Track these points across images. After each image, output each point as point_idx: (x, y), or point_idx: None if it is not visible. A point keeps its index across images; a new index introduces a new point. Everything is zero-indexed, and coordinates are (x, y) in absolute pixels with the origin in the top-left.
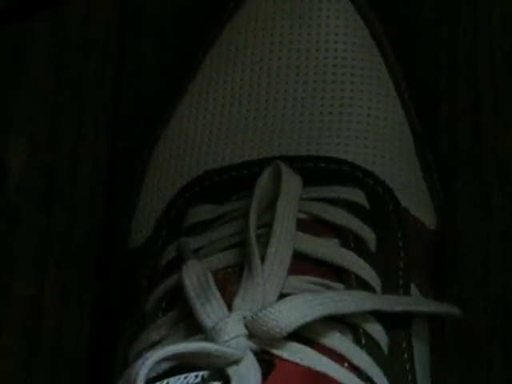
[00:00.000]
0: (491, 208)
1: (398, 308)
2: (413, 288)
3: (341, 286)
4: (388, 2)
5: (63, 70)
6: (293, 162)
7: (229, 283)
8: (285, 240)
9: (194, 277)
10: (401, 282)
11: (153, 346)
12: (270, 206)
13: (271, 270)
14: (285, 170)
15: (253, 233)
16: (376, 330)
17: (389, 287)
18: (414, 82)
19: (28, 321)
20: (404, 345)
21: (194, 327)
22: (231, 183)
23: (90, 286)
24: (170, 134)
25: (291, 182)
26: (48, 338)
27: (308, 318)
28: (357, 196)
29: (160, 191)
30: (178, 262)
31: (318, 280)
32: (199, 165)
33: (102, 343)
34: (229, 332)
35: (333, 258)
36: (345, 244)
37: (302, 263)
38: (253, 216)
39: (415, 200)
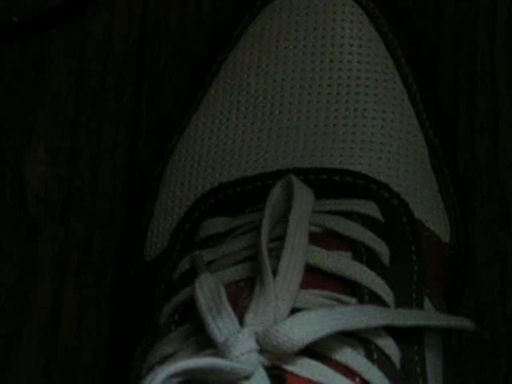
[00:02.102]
0: (509, 222)
1: (411, 322)
2: (426, 302)
3: (353, 300)
4: (405, 15)
5: (83, 83)
6: (306, 174)
7: (241, 297)
8: (297, 254)
9: (207, 290)
10: (414, 296)
11: (166, 359)
12: (283, 219)
13: (283, 284)
14: (296, 183)
15: (265, 247)
16: (388, 345)
17: (402, 301)
18: (429, 96)
19: (47, 331)
20: (416, 359)
21: (205, 341)
22: (245, 196)
23: (109, 297)
24: (185, 147)
25: (303, 196)
26: (66, 348)
27: (320, 334)
28: (371, 209)
29: (175, 203)
30: (192, 275)
31: (331, 294)
32: (214, 177)
33: (119, 353)
34: (240, 347)
35: (345, 271)
36: (357, 257)
37: (314, 277)
38: (265, 230)
39: (430, 213)
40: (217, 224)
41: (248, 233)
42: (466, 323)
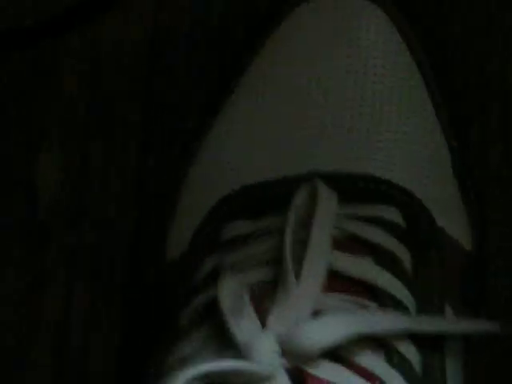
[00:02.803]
0: None
1: (432, 329)
2: (447, 309)
3: (374, 304)
4: (425, 22)
5: (94, 89)
6: (329, 179)
7: (263, 299)
8: (320, 258)
9: (230, 292)
10: (435, 302)
11: (185, 360)
12: (306, 223)
13: (306, 287)
14: (321, 187)
15: (288, 249)
16: (409, 350)
17: (423, 307)
18: (454, 103)
19: (56, 337)
20: (437, 365)
21: (226, 342)
22: (267, 199)
23: (119, 304)
24: (209, 150)
25: (327, 200)
26: (76, 355)
27: (341, 337)
28: (393, 215)
29: (197, 206)
30: (214, 277)
31: (352, 298)
32: (236, 180)
33: (130, 360)
34: (262, 349)
35: (367, 276)
36: (380, 263)
37: (336, 281)
38: (289, 232)
39: (452, 220)
40: (239, 226)
41: (271, 235)
42: (487, 326)
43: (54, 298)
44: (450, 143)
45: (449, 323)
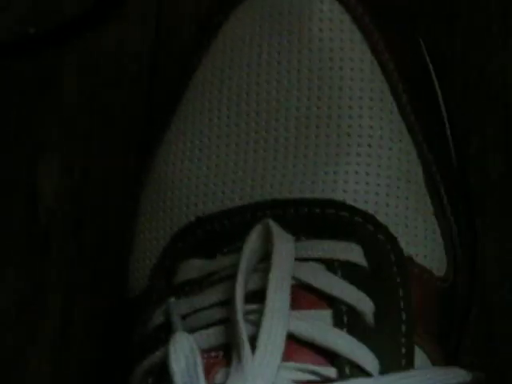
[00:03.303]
0: None
1: None
2: (419, 352)
3: (333, 370)
4: (391, 12)
5: (95, 96)
6: (286, 207)
7: (214, 369)
8: (278, 324)
9: (182, 357)
10: (403, 351)
11: None
12: (260, 266)
13: (263, 359)
14: (276, 230)
15: (240, 317)
16: None
17: (389, 361)
18: (422, 108)
19: (56, 344)
20: None
21: None
22: (223, 232)
23: (119, 312)
24: (157, 175)
25: (283, 248)
26: (76, 362)
27: None
28: (354, 254)
29: (152, 238)
30: (166, 331)
31: (309, 367)
32: (189, 209)
33: (127, 369)
34: None
35: (324, 341)
36: (338, 317)
37: (290, 345)
38: (239, 296)
39: (422, 244)
40: (193, 267)
41: (224, 281)
42: (462, 375)
43: (53, 305)
44: (420, 152)
45: (418, 376)
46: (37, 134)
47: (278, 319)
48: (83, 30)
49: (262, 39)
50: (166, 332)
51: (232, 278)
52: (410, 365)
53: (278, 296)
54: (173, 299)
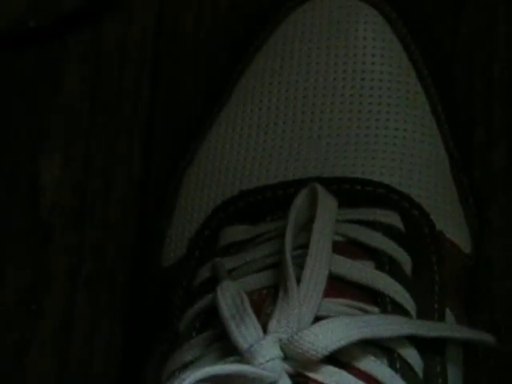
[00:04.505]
0: None
1: (434, 333)
2: (448, 313)
3: (376, 309)
4: (425, 26)
5: (97, 89)
6: (328, 183)
7: (264, 305)
8: (320, 262)
9: (229, 298)
10: (436, 307)
11: (186, 366)
12: (306, 227)
13: (307, 292)
14: (321, 191)
15: (288, 254)
16: (411, 355)
17: (424, 311)
18: (449, 106)
19: (59, 337)
20: (438, 369)
21: (228, 348)
22: (266, 204)
23: (122, 304)
24: (205, 154)
25: (327, 204)
26: (79, 355)
27: (344, 342)
28: (392, 219)
29: (194, 211)
30: (213, 283)
31: (354, 303)
32: (234, 185)
33: (132, 359)
34: (264, 354)
35: (368, 281)
36: (380, 267)
37: (337, 285)
38: (288, 237)
39: (451, 223)
40: (237, 232)
41: (270, 241)
42: (487, 337)
43: (56, 298)
44: (448, 146)
45: (449, 328)
46: (38, 127)
47: (321, 258)
48: (84, 22)
49: (312, 42)
50: (212, 284)
51: (278, 237)
52: (441, 320)
53: (321, 239)
54: (218, 259)
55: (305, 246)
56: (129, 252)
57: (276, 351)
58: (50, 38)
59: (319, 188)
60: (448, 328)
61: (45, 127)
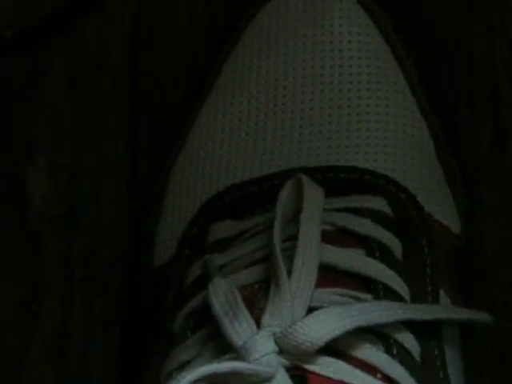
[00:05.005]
0: None
1: (429, 316)
2: (442, 295)
3: (369, 296)
4: (401, 8)
5: (80, 95)
6: (313, 173)
7: (256, 299)
8: (310, 253)
9: (221, 295)
10: (429, 289)
11: (183, 366)
12: (293, 219)
13: (298, 284)
14: (306, 182)
15: (278, 247)
16: (407, 339)
17: (417, 295)
18: (430, 87)
19: (55, 344)
20: (436, 352)
21: (223, 346)
22: (252, 197)
23: (116, 308)
24: (189, 152)
25: (314, 194)
26: (75, 362)
27: (338, 331)
28: (379, 204)
29: (181, 209)
30: (204, 280)
31: (346, 291)
32: (219, 180)
33: (129, 365)
34: (259, 349)
35: (359, 268)
36: (370, 253)
37: (328, 275)
38: (277, 230)
39: (438, 204)
40: (225, 227)
41: (258, 234)
42: (483, 316)
43: (50, 306)
44: (431, 127)
45: (445, 310)
46: (23, 137)
47: (311, 249)
48: (61, 28)
49: (289, 32)
50: (203, 281)
51: (267, 231)
52: (435, 302)
53: (310, 230)
54: (208, 256)
55: (293, 238)
56: (122, 255)
57: (271, 345)
58: (28, 47)
59: (304, 178)
60: (443, 310)
61: (30, 136)
